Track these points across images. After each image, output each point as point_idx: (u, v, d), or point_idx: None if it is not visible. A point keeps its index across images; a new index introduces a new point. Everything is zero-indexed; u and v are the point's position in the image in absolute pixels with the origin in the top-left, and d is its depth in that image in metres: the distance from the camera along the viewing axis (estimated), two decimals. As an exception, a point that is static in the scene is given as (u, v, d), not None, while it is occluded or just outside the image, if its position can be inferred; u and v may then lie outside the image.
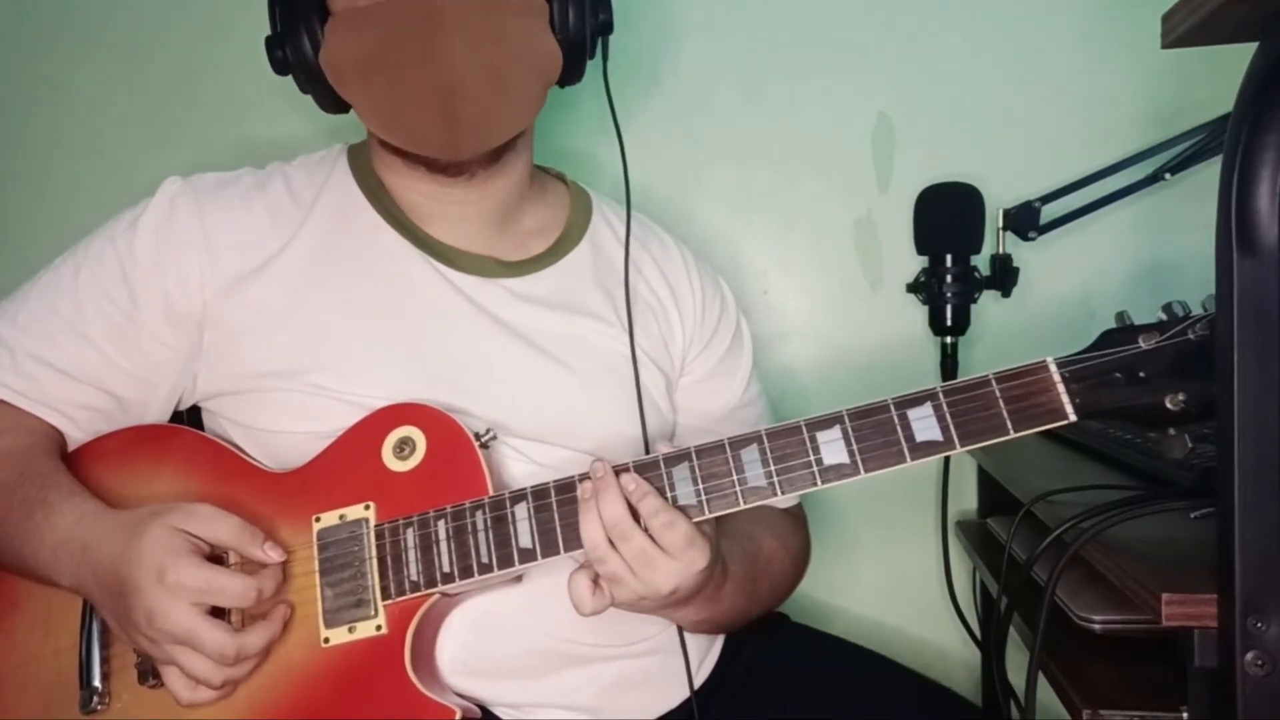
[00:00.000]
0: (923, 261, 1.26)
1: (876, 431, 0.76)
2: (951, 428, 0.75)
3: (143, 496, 0.85)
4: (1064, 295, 1.30)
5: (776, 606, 1.03)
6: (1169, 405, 0.71)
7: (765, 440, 0.78)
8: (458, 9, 0.84)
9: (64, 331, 0.88)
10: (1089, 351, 0.74)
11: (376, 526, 0.82)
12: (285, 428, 0.87)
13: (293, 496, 0.84)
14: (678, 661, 0.90)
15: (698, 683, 0.94)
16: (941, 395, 0.75)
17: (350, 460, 0.84)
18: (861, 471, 0.76)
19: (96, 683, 0.82)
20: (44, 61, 1.39)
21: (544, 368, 0.92)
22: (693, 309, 1.04)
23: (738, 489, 0.78)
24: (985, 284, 1.25)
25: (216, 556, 0.80)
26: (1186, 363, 0.71)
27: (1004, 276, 1.25)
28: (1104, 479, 0.92)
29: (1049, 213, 1.24)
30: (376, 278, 0.91)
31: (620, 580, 0.77)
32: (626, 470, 0.78)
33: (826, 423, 0.77)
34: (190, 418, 0.95)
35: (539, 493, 0.80)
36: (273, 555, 0.79)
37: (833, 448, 0.76)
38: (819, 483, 0.76)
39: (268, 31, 0.92)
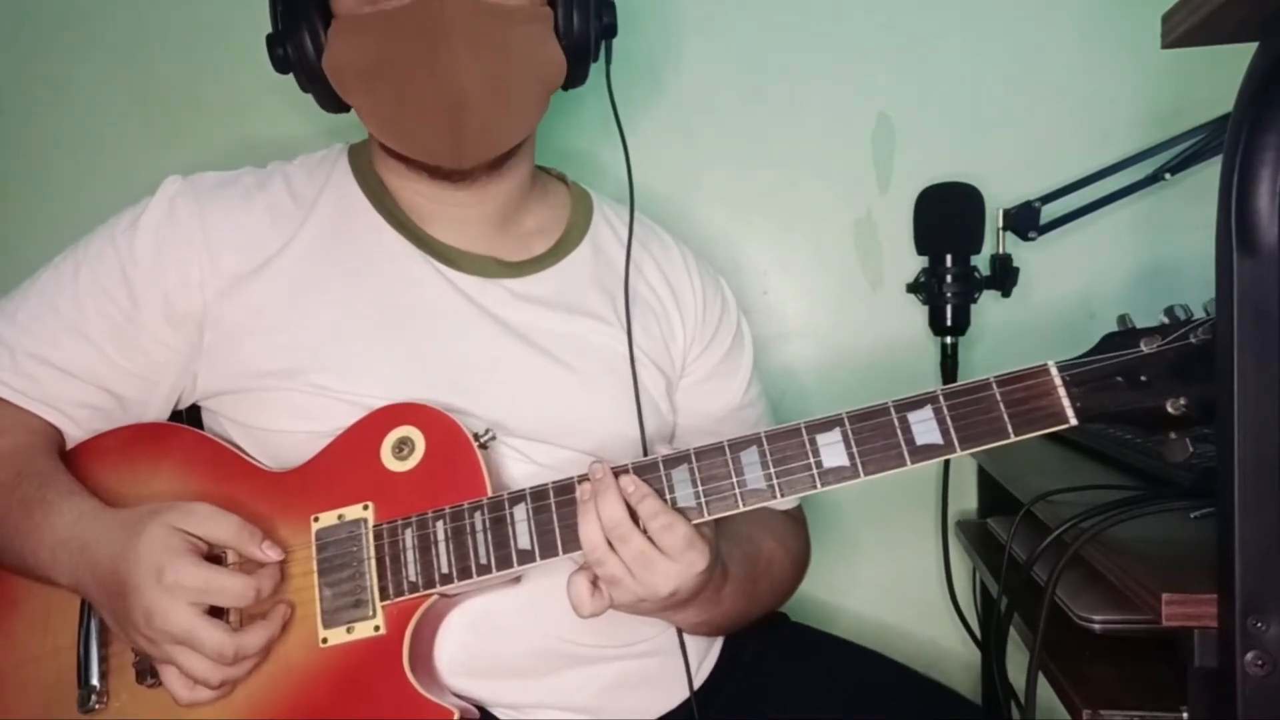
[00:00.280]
0: (923, 261, 1.26)
1: (876, 434, 0.76)
2: (952, 431, 0.74)
3: (141, 495, 0.85)
4: (1064, 295, 1.30)
5: (777, 608, 1.03)
6: (1170, 409, 0.71)
7: (765, 442, 0.77)
8: (465, 20, 0.84)
9: (64, 330, 0.88)
10: (1090, 355, 0.74)
11: (375, 527, 0.82)
12: (285, 427, 0.87)
13: (291, 496, 0.84)
14: (677, 662, 0.90)
15: (697, 683, 0.94)
16: (942, 398, 0.75)
17: (349, 460, 0.84)
18: (861, 474, 0.76)
19: (95, 682, 0.81)
20: (44, 61, 1.39)
21: (544, 368, 0.92)
22: (694, 310, 1.04)
23: (737, 491, 0.77)
24: (985, 284, 1.25)
25: (215, 556, 0.80)
26: (1188, 367, 0.71)
27: (1004, 276, 1.25)
28: (1104, 479, 0.92)
29: (1049, 213, 1.24)
30: (377, 278, 0.91)
31: (619, 582, 0.76)
32: (625, 472, 0.78)
33: (826, 425, 0.77)
34: (189, 417, 0.95)
35: (538, 494, 0.80)
36: (271, 555, 0.79)
37: (832, 450, 0.76)
38: (818, 485, 0.76)
39: (268, 31, 0.92)
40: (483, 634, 0.85)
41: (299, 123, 1.28)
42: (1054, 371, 0.74)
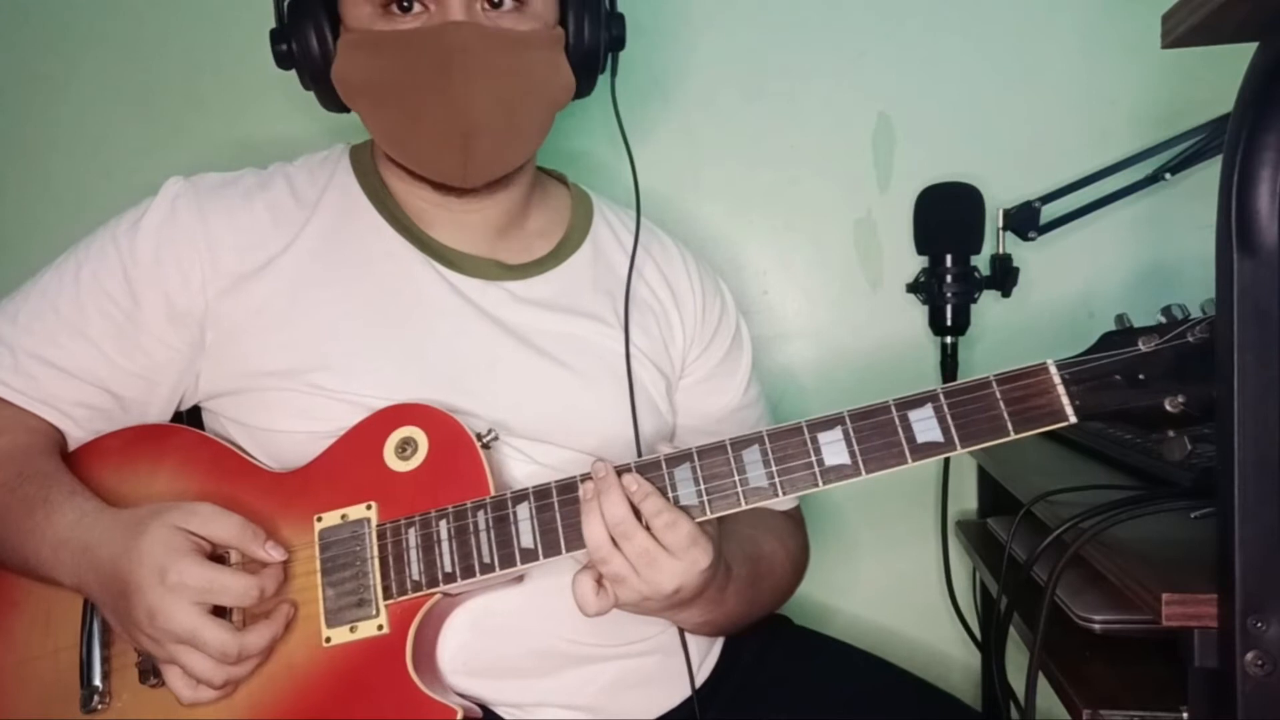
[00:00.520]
0: (923, 261, 1.26)
1: (877, 432, 0.76)
2: (952, 429, 0.75)
3: (143, 496, 0.85)
4: (1064, 295, 1.31)
5: (777, 609, 1.03)
6: (1168, 407, 0.71)
7: (767, 441, 0.78)
8: (479, 46, 0.84)
9: (65, 331, 0.88)
10: (1089, 354, 0.74)
11: (378, 526, 0.82)
12: (287, 427, 0.87)
13: (294, 496, 0.84)
14: (678, 661, 0.90)
15: (698, 683, 0.94)
16: (942, 396, 0.75)
17: (352, 460, 0.84)
18: (863, 472, 0.76)
19: (97, 682, 0.82)
20: (44, 61, 1.39)
21: (545, 368, 0.92)
22: (693, 310, 1.04)
23: (739, 489, 0.78)
24: (985, 284, 1.25)
25: (218, 556, 0.80)
26: (1186, 365, 0.71)
27: (1004, 276, 1.25)
28: (1104, 479, 0.92)
29: (1049, 213, 1.24)
30: (378, 278, 0.91)
31: (624, 580, 0.77)
32: (628, 470, 0.78)
33: (828, 424, 0.77)
34: (190, 418, 0.95)
35: (541, 493, 0.80)
36: (274, 554, 0.80)
37: (834, 449, 0.76)
38: (820, 483, 0.77)
39: (269, 29, 0.91)
40: (484, 633, 0.86)
41: (300, 122, 1.28)
42: (1053, 370, 0.74)
